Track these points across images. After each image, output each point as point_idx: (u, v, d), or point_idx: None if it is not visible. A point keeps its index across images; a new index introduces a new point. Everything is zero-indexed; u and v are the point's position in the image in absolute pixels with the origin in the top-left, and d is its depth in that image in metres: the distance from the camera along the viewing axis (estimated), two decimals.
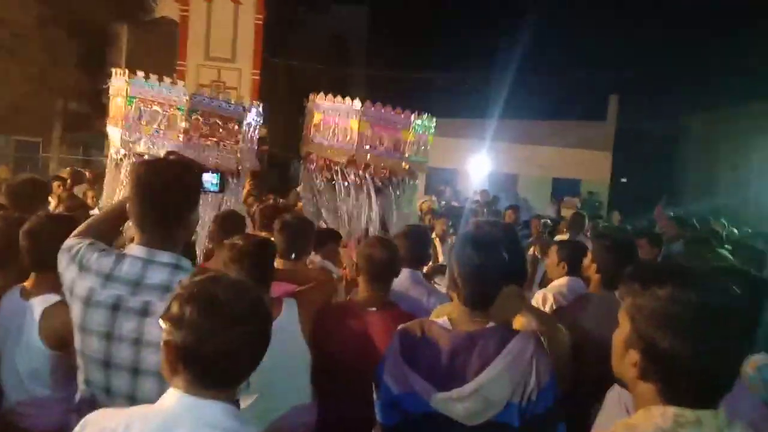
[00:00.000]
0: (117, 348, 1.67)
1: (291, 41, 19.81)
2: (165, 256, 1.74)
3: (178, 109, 3.70)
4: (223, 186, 2.24)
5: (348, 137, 4.17)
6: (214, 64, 19.13)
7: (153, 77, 3.81)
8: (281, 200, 8.94)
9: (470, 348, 1.82)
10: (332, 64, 19.33)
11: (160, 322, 1.28)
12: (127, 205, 1.83)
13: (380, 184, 4.21)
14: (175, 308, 1.26)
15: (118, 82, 3.91)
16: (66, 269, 1.79)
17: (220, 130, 3.92)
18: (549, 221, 6.96)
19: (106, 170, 4.15)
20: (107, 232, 1.96)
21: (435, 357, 1.84)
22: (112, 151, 4.10)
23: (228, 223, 3.39)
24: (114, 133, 3.99)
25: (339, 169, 4.20)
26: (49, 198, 6.26)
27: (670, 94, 24.52)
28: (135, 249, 1.76)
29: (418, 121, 4.38)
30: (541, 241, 6.17)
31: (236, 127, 4.03)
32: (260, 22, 19.09)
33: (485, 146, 17.26)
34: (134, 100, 3.73)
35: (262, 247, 2.48)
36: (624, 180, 22.59)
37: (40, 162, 17.81)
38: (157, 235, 1.75)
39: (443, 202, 14.78)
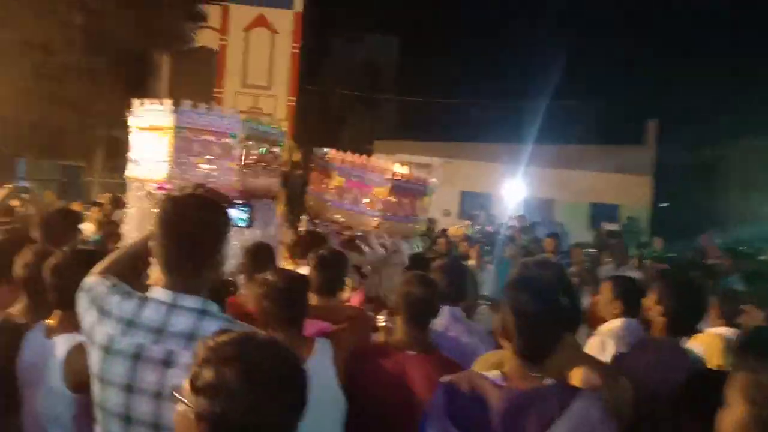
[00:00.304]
0: (137, 402, 1.56)
1: (325, 68, 20.10)
2: (190, 301, 1.62)
3: (231, 136, 3.57)
4: (251, 220, 2.12)
5: (373, 204, 4.01)
6: (251, 91, 19.60)
7: (201, 106, 3.68)
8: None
9: (527, 409, 1.64)
10: (365, 90, 19.50)
11: (183, 391, 1.15)
12: (150, 242, 1.72)
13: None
14: (208, 374, 1.10)
15: (156, 114, 3.66)
16: (86, 312, 1.70)
17: (268, 155, 3.83)
18: (590, 250, 6.64)
19: (128, 206, 3.99)
20: (131, 270, 1.87)
21: (485, 417, 1.66)
22: (134, 188, 3.89)
23: (260, 256, 3.26)
24: (145, 167, 3.73)
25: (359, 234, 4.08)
26: (86, 223, 6.35)
27: (710, 118, 23.91)
28: (158, 292, 1.65)
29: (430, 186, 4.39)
30: (584, 272, 5.89)
31: (277, 150, 3.98)
32: (296, 50, 19.52)
33: (520, 171, 17.02)
34: (183, 131, 3.54)
35: (295, 283, 2.39)
36: (664, 205, 21.99)
37: (83, 186, 18.32)
38: (182, 277, 1.64)
39: (477, 227, 14.55)
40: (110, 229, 5.16)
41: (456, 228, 11.48)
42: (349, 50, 24.18)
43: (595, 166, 17.82)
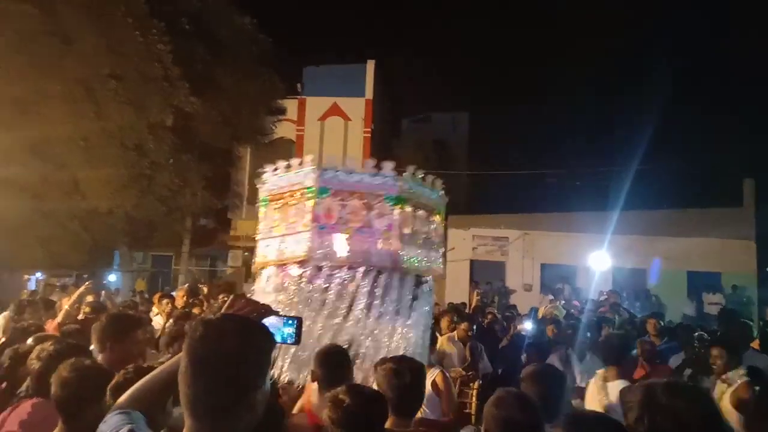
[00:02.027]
0: None
1: (396, 149, 20.50)
2: None
3: (387, 200, 2.95)
4: (300, 334, 1.70)
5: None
6: None
7: (348, 164, 3.09)
8: None
9: None
10: (436, 167, 19.59)
11: None
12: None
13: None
14: None
15: (294, 176, 3.06)
16: None
17: (424, 224, 3.16)
18: (705, 334, 5.77)
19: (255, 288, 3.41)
20: (160, 400, 1.63)
21: None
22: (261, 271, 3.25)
23: (334, 363, 2.72)
24: (276, 245, 3.05)
25: None
26: (157, 316, 6.39)
27: None
28: None
29: None
30: (697, 359, 5.15)
31: (438, 219, 3.29)
32: (368, 134, 20.24)
33: (605, 240, 16.12)
34: (326, 193, 2.92)
35: (373, 407, 2.04)
36: None
37: (172, 274, 19.17)
38: (211, 426, 1.33)
39: (563, 302, 13.73)
40: (179, 328, 5.02)
41: (544, 308, 10.62)
42: (419, 129, 24.68)
43: (689, 231, 16.63)
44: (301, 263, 2.90)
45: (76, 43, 11.73)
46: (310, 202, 2.88)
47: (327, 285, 2.88)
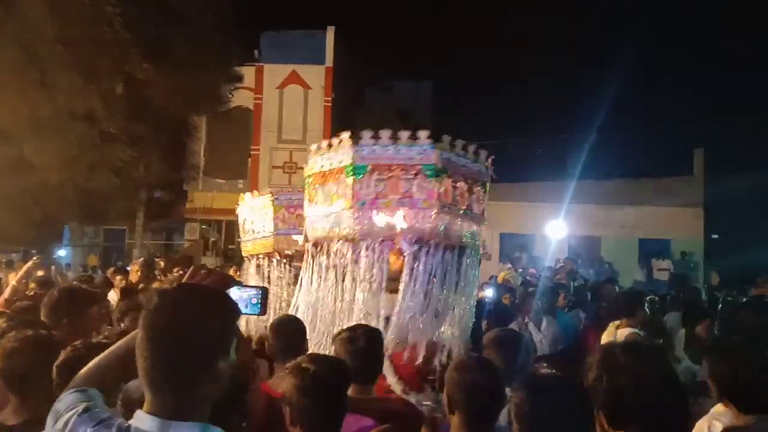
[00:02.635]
0: None
1: (359, 119, 20.27)
2: (185, 428, 1.27)
3: (425, 170, 2.85)
4: (266, 305, 1.69)
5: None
6: (286, 146, 19.97)
7: (384, 136, 2.93)
8: None
9: None
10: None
11: None
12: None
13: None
14: None
15: (332, 155, 3.00)
16: None
17: (467, 195, 3.04)
18: (656, 297, 5.97)
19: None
20: (114, 380, 1.56)
21: None
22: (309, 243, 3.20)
23: (291, 335, 2.76)
24: (319, 222, 3.07)
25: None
26: (111, 291, 6.22)
27: (757, 143, 23.00)
28: (144, 420, 1.28)
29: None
30: (648, 322, 5.36)
31: (482, 192, 3.17)
32: (329, 104, 19.92)
33: (562, 209, 16.49)
34: (365, 170, 2.87)
35: (338, 373, 2.03)
36: (715, 236, 21.00)
37: (125, 248, 18.67)
38: (172, 398, 1.27)
39: (520, 270, 14.02)
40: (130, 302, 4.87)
41: (501, 275, 10.93)
42: (382, 98, 24.47)
43: (642, 200, 17.16)
44: (348, 240, 2.91)
45: (17, 6, 11.06)
46: (350, 179, 2.87)
47: (368, 260, 2.89)
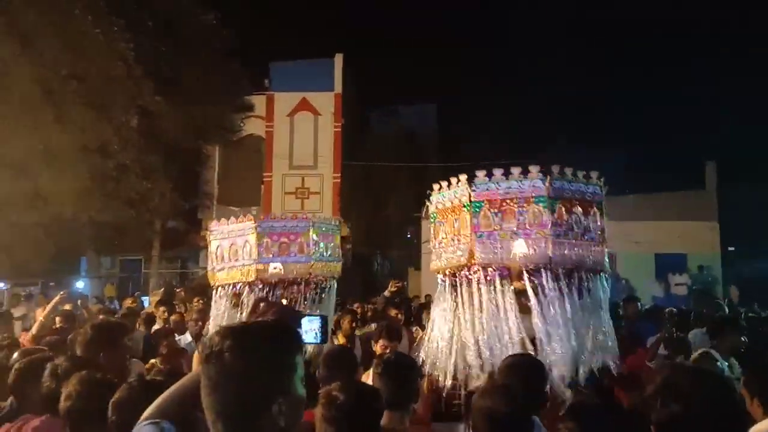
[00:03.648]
0: None
1: (367, 143, 20.41)
2: None
3: (538, 200, 3.06)
4: (326, 334, 1.70)
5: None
6: (298, 172, 20.13)
7: (497, 173, 3.18)
8: (370, 306, 8.58)
9: None
10: (406, 160, 19.60)
11: None
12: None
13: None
14: None
15: (453, 193, 3.27)
16: None
17: (583, 219, 3.17)
18: (675, 310, 5.92)
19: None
20: (181, 411, 1.57)
21: None
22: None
23: (339, 364, 2.80)
24: (443, 254, 3.31)
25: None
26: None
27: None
28: None
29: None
30: (673, 339, 5.29)
31: (598, 213, 3.30)
32: (338, 129, 20.11)
33: None
34: (481, 205, 3.10)
35: (368, 402, 1.96)
36: (731, 249, 20.80)
37: (142, 278, 18.75)
38: None
39: None
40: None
41: None
42: (387, 122, 24.66)
43: (655, 214, 17.04)
44: (464, 268, 3.14)
45: (33, 42, 11.30)
46: (468, 216, 3.12)
47: (491, 287, 3.07)
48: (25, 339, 4.85)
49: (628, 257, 17.39)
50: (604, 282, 3.34)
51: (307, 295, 3.71)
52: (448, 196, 3.32)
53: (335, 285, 4.21)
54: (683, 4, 29.50)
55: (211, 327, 3.77)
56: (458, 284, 3.17)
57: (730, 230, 19.02)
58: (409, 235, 20.99)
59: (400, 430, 2.35)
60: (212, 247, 4.52)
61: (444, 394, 4.68)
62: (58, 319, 5.58)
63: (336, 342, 5.63)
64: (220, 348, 1.27)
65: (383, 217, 19.84)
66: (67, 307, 6.05)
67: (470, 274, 3.08)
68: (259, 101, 19.52)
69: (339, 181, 19.89)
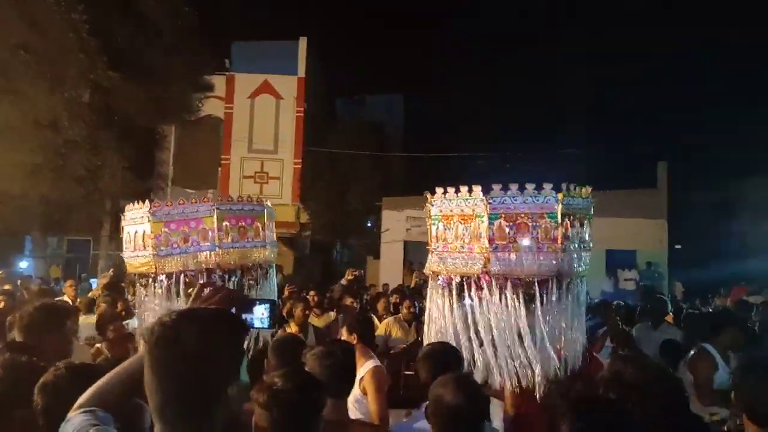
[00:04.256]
0: None
1: (330, 131, 20.24)
2: None
3: (550, 216, 3.26)
4: (274, 319, 1.69)
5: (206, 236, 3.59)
6: (258, 156, 19.82)
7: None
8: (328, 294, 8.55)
9: None
10: (371, 150, 19.53)
11: None
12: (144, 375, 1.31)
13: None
14: None
15: (462, 202, 3.41)
16: None
17: (580, 230, 3.39)
18: (621, 302, 6.14)
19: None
20: (120, 399, 1.52)
21: None
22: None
23: (288, 354, 2.80)
24: (448, 257, 3.43)
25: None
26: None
27: (720, 157, 23.88)
28: None
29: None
30: (618, 332, 5.47)
31: (587, 223, 3.51)
32: (301, 114, 19.85)
33: None
34: (497, 218, 3.29)
35: (308, 391, 1.92)
36: (678, 247, 21.66)
37: (90, 260, 18.15)
38: (183, 426, 1.25)
39: None
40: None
41: None
42: (353, 111, 24.53)
43: (607, 211, 17.52)
44: (478, 278, 3.28)
45: None
46: (484, 227, 3.25)
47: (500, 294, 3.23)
48: None
49: None
50: (584, 285, 3.57)
51: (247, 281, 3.52)
52: (456, 203, 3.41)
53: (275, 270, 4.03)
54: (645, 3, 30.29)
55: (142, 322, 3.49)
56: (465, 288, 3.33)
57: (678, 229, 19.79)
58: (369, 224, 20.99)
59: (336, 422, 2.31)
60: (152, 230, 3.68)
61: (402, 381, 4.73)
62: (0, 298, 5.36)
63: (288, 330, 5.58)
64: (175, 332, 1.25)
65: (344, 205, 19.75)
66: (7, 287, 5.79)
67: (481, 281, 3.25)
68: (219, 81, 19.05)
69: (300, 167, 19.67)
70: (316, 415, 1.92)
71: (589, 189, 3.57)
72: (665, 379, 1.79)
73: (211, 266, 3.38)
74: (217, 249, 3.43)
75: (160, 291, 3.46)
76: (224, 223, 3.48)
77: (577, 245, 3.40)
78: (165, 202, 3.53)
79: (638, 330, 5.88)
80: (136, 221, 3.65)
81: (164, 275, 3.49)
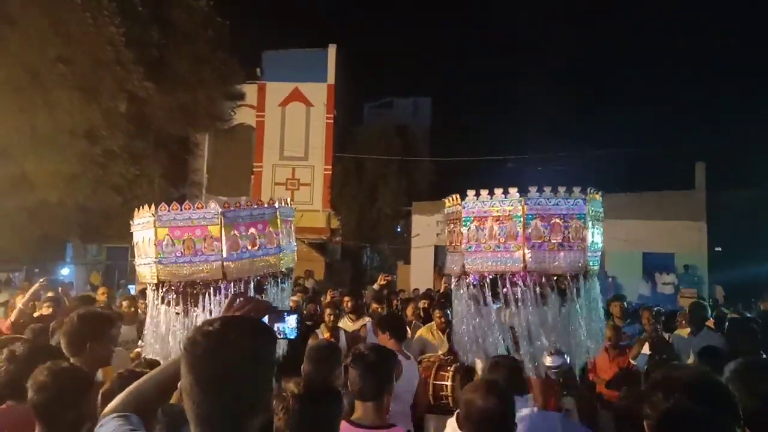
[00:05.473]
0: None
1: (359, 135, 20.30)
2: None
3: (579, 218, 3.45)
4: (300, 329, 1.70)
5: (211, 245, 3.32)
6: (289, 162, 20.03)
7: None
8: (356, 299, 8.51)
9: None
10: (399, 154, 19.51)
11: None
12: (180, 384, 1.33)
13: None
14: None
15: (500, 202, 3.56)
16: None
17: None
18: (662, 309, 5.94)
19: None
20: (154, 404, 1.54)
21: None
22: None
23: (324, 361, 2.81)
24: (483, 255, 3.57)
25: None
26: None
27: (759, 157, 23.10)
28: None
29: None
30: (657, 338, 5.29)
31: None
32: (330, 121, 20.00)
33: None
34: (533, 218, 3.47)
35: (326, 403, 1.93)
36: (718, 249, 20.99)
37: (128, 267, 18.57)
38: None
39: None
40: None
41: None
42: (381, 115, 24.56)
43: (644, 213, 17.13)
44: (512, 274, 3.45)
45: (19, 24, 11.10)
46: (520, 226, 3.42)
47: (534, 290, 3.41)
48: (3, 326, 4.76)
49: (617, 255, 17.49)
50: (598, 282, 3.70)
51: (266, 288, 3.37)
52: (490, 204, 3.56)
53: (293, 276, 3.89)
54: (681, 5, 29.61)
55: (150, 330, 3.21)
56: (500, 284, 3.47)
57: (717, 231, 19.18)
58: (399, 229, 20.94)
59: (372, 424, 2.34)
60: (158, 236, 3.40)
61: (431, 388, 4.69)
62: (45, 305, 5.49)
63: (321, 336, 5.58)
64: (219, 341, 1.27)
65: (374, 210, 19.77)
66: (51, 294, 5.94)
67: (516, 278, 3.42)
68: (250, 90, 19.36)
69: (330, 173, 19.79)
70: (332, 423, 1.95)
71: (600, 193, 3.77)
72: (718, 385, 1.74)
73: (217, 278, 3.14)
74: (221, 261, 3.16)
75: (158, 301, 3.24)
76: (232, 232, 3.22)
77: (599, 245, 3.59)
78: (171, 206, 3.25)
79: (677, 336, 5.68)
80: (143, 226, 3.42)
81: (167, 284, 3.26)
